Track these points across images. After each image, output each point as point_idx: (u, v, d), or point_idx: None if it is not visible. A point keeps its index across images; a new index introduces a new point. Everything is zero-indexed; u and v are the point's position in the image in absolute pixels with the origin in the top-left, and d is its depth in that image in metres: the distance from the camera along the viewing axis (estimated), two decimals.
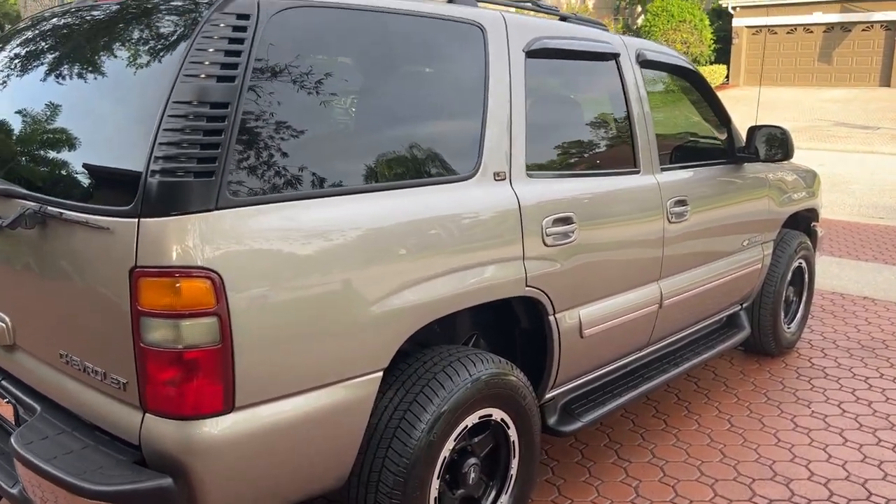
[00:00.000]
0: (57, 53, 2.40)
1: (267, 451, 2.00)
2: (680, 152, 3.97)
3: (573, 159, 3.05)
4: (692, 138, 4.22)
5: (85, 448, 1.98)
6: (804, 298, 4.98)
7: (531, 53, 2.83)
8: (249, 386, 1.92)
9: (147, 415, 1.90)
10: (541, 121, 2.87)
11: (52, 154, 2.24)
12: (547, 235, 2.71)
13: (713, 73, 26.45)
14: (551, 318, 2.82)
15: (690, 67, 3.84)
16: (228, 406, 1.90)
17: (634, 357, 3.50)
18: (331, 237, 2.06)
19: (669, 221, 3.36)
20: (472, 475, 2.57)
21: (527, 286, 2.65)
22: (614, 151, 3.30)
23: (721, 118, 4.05)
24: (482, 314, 2.92)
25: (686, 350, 3.93)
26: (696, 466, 3.45)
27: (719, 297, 3.96)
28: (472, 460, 2.58)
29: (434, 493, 2.42)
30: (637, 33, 28.39)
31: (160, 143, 1.82)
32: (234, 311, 1.86)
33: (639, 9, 29.98)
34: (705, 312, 3.91)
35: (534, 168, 2.77)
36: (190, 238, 1.80)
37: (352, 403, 2.15)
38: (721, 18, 28.37)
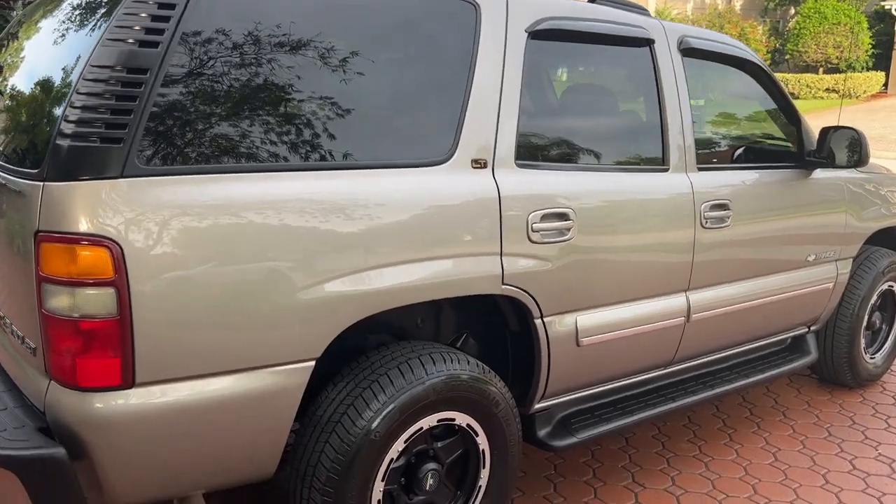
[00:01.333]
0: None
1: (176, 432, 1.93)
2: (730, 153, 3.59)
3: (579, 151, 2.79)
4: (750, 138, 3.81)
5: (3, 410, 1.99)
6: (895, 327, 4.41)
7: (535, 34, 2.61)
8: (152, 363, 1.85)
9: (51, 382, 1.88)
10: (542, 107, 2.66)
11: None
12: (533, 231, 2.49)
13: (869, 80, 24.44)
14: (538, 321, 2.59)
15: (751, 59, 3.45)
16: (128, 382, 1.84)
17: (657, 374, 3.20)
18: (252, 217, 1.95)
19: (703, 227, 3.03)
20: (430, 482, 2.41)
21: (504, 284, 2.45)
22: (637, 146, 3.01)
23: (789, 117, 3.62)
24: (471, 313, 2.74)
25: (728, 371, 3.55)
26: (717, 500, 3.10)
27: (774, 316, 3.56)
28: (431, 465, 2.41)
29: (377, 495, 2.28)
30: (785, 35, 26.69)
31: (72, 106, 1.78)
32: (135, 284, 1.79)
33: (791, 10, 28.20)
34: (754, 332, 3.52)
35: (526, 157, 2.56)
36: (90, 205, 1.76)
37: (275, 391, 2.05)
38: (883, 21, 26.18)
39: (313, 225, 2.05)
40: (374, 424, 2.19)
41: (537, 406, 2.78)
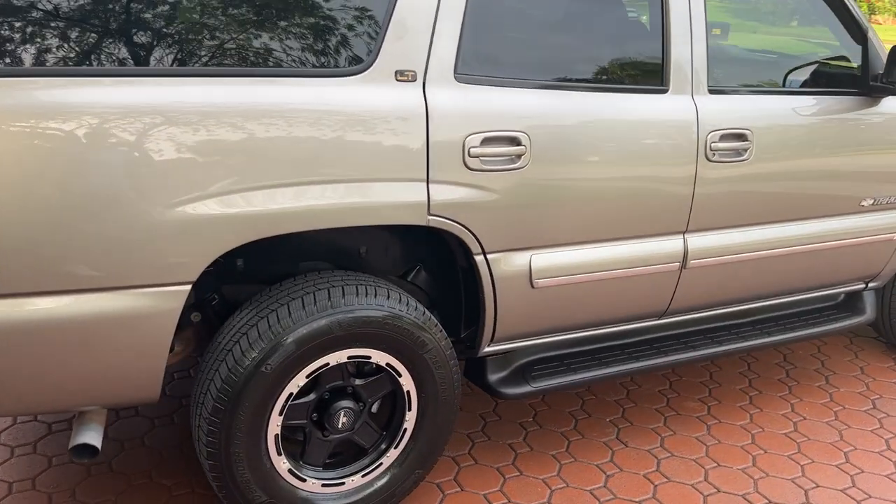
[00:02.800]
0: None
1: (38, 346, 1.86)
2: (765, 74, 3.06)
3: (544, 65, 2.42)
4: (797, 58, 3.24)
5: None
6: None
7: None
8: (6, 274, 1.78)
9: None
10: (497, 11, 2.31)
11: None
12: (471, 157, 2.20)
13: None
14: (479, 258, 2.33)
15: None
16: None
17: (649, 324, 2.85)
18: (112, 125, 1.79)
19: (709, 160, 2.60)
20: (343, 420, 2.25)
21: (431, 215, 2.19)
22: (626, 61, 2.59)
23: (853, 32, 3.03)
24: (427, 246, 2.51)
25: (749, 327, 3.13)
26: (704, 469, 2.77)
27: (811, 268, 3.07)
28: (345, 403, 2.26)
29: (273, 429, 2.15)
30: None
31: None
32: None
33: None
34: (782, 285, 3.06)
35: (471, 71, 2.24)
36: None
37: (145, 314, 1.93)
38: None
39: (181, 138, 1.86)
40: (268, 357, 2.05)
41: (488, 349, 2.54)
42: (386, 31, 2.10)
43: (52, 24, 1.80)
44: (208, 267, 2.22)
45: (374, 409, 2.38)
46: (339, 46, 2.09)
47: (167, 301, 1.95)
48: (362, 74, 2.08)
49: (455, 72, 2.20)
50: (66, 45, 1.80)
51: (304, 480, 2.26)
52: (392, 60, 2.11)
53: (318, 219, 2.05)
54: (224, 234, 1.94)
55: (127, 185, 1.83)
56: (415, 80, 2.15)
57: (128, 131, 1.80)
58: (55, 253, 1.80)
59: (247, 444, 2.11)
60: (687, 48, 2.57)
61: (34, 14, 1.79)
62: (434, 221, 2.20)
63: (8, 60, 1.75)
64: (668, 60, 2.55)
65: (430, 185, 2.17)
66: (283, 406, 2.15)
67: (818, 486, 2.71)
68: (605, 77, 2.52)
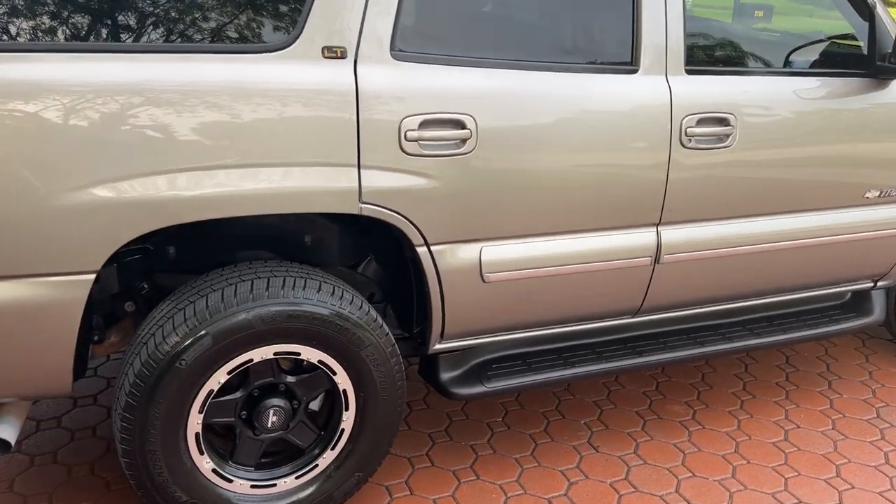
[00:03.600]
0: None
1: None
2: (755, 54, 2.81)
3: (496, 42, 2.23)
4: (794, 35, 2.98)
5: None
6: None
7: None
8: None
9: None
10: None
11: None
12: (408, 140, 2.04)
13: None
14: (422, 250, 2.17)
15: None
16: None
17: (623, 322, 2.66)
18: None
19: (684, 146, 2.39)
20: (273, 419, 2.13)
21: (363, 203, 2.04)
22: (592, 38, 2.38)
23: (859, 6, 2.77)
24: (374, 235, 2.36)
25: (738, 328, 2.91)
26: (678, 479, 2.58)
27: (806, 265, 2.84)
28: (275, 402, 2.13)
29: (194, 427, 2.04)
30: None
31: None
32: None
33: None
34: (772, 283, 2.83)
35: (412, 47, 2.08)
36: None
37: (47, 303, 1.83)
38: None
39: (76, 119, 1.74)
40: (180, 350, 1.93)
41: (439, 346, 2.39)
42: (312, 3, 1.95)
43: None
44: (135, 253, 2.12)
45: (316, 406, 2.25)
46: (259, 20, 1.96)
47: (69, 290, 1.84)
48: (284, 51, 1.93)
49: (392, 49, 2.04)
50: None
51: (230, 481, 2.15)
52: (318, 35, 1.96)
53: (233, 206, 1.91)
54: (125, 221, 1.82)
55: (16, 168, 1.72)
56: (344, 57, 1.99)
57: (14, 111, 1.69)
58: None
59: (163, 441, 2.00)
60: (660, 23, 2.36)
61: None
62: (367, 210, 2.05)
63: None
64: (638, 37, 2.34)
65: (362, 171, 2.02)
66: (203, 403, 2.04)
67: (800, 503, 2.50)
68: (564, 55, 2.32)
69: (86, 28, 1.81)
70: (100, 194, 1.78)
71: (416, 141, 2.05)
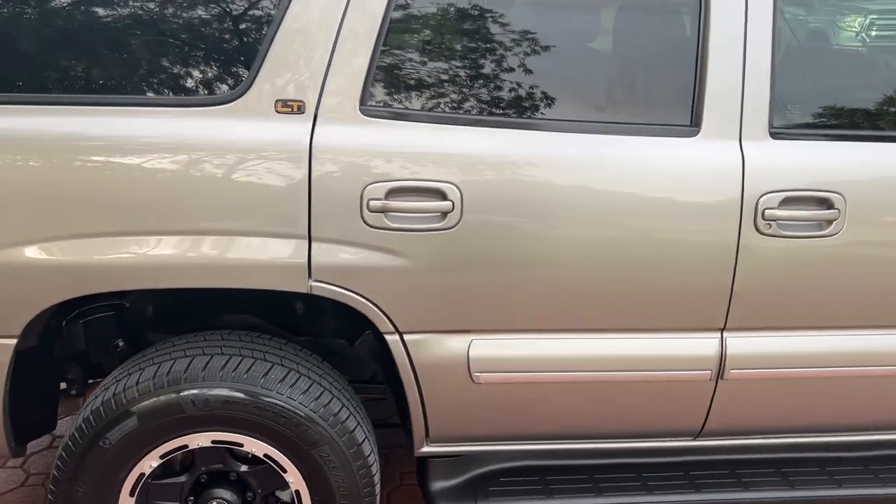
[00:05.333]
0: None
1: None
2: (866, 112, 2.09)
3: (491, 95, 1.82)
4: None
5: None
6: None
7: None
8: None
9: None
10: (429, 28, 1.79)
11: None
12: (371, 211, 1.71)
13: None
14: (393, 338, 1.83)
15: None
16: None
17: (681, 444, 2.10)
18: None
19: (760, 232, 1.83)
20: None
21: (314, 280, 1.74)
22: (628, 88, 1.88)
23: None
24: None
25: (817, 468, 2.19)
26: None
27: None
28: (221, 493, 1.89)
29: None
30: None
31: None
32: None
33: None
34: (880, 415, 2.10)
35: (383, 104, 1.76)
36: None
37: None
38: None
39: (23, 173, 1.64)
40: (104, 428, 1.76)
41: (427, 449, 2.01)
42: (267, 51, 1.70)
43: None
44: (106, 310, 2.00)
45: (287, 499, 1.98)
46: (205, 68, 1.74)
47: None
48: (232, 103, 1.70)
49: (361, 103, 1.73)
50: None
51: None
52: (273, 87, 1.70)
53: (163, 277, 1.71)
54: (45, 286, 1.68)
55: None
56: (302, 113, 1.71)
57: None
58: None
59: None
60: (735, 72, 1.81)
61: None
62: (319, 289, 1.75)
63: None
64: (700, 88, 1.82)
65: (313, 244, 1.72)
66: (135, 487, 1.84)
67: None
68: (589, 110, 1.86)
69: (9, 77, 1.69)
70: (15, 257, 1.65)
71: (380, 212, 1.71)
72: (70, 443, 1.78)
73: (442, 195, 1.73)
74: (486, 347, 1.85)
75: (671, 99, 1.86)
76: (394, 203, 1.71)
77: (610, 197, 1.79)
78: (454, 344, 1.84)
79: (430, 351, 1.84)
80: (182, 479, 1.89)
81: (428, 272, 1.76)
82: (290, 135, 1.70)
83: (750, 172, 1.82)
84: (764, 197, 1.81)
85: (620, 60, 1.91)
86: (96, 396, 1.82)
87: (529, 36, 1.82)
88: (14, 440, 1.87)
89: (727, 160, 1.82)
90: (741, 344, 1.92)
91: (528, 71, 1.81)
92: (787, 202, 1.82)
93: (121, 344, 2.08)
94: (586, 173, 1.79)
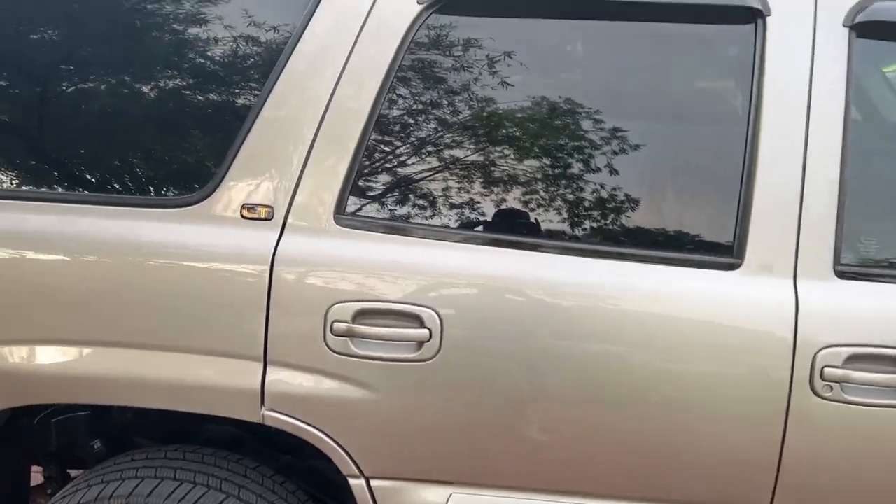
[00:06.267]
0: None
1: None
2: None
3: (486, 210, 1.55)
4: None
5: None
6: None
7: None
8: None
9: None
10: (403, 126, 1.58)
11: None
12: (335, 335, 1.48)
13: None
14: (357, 483, 1.56)
15: None
16: None
17: None
18: None
19: (818, 395, 1.45)
20: None
21: (267, 409, 1.52)
22: (652, 212, 1.57)
23: None
24: None
25: None
26: None
27: None
28: None
29: None
30: None
31: None
32: None
33: None
34: None
35: (366, 213, 1.55)
36: None
37: None
38: None
39: None
40: None
41: None
42: (238, 149, 1.54)
43: None
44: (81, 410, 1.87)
45: None
46: (169, 168, 1.60)
47: None
48: (195, 206, 1.54)
49: (337, 212, 1.52)
50: None
51: None
52: (238, 191, 1.53)
53: (97, 392, 1.55)
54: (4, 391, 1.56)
55: None
56: (269, 219, 1.53)
57: None
58: None
59: None
60: (793, 184, 1.48)
61: None
62: (272, 419, 1.53)
63: None
64: (745, 214, 1.49)
65: (269, 368, 1.51)
66: None
67: None
68: (599, 230, 1.55)
69: None
70: None
71: (346, 336, 1.48)
72: None
73: (419, 321, 1.48)
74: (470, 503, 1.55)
75: (707, 222, 1.54)
76: (361, 327, 1.48)
77: (623, 336, 1.48)
78: (431, 497, 1.56)
79: (400, 502, 1.56)
80: None
81: (400, 409, 1.51)
82: (252, 243, 1.51)
83: (806, 318, 1.45)
84: (824, 351, 1.44)
85: (642, 175, 1.61)
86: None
87: (534, 146, 1.56)
88: None
89: (780, 301, 1.46)
90: None
91: (533, 184, 1.55)
92: (855, 360, 1.44)
93: (97, 445, 1.94)
94: (595, 306, 1.49)
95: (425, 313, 1.47)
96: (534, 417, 1.50)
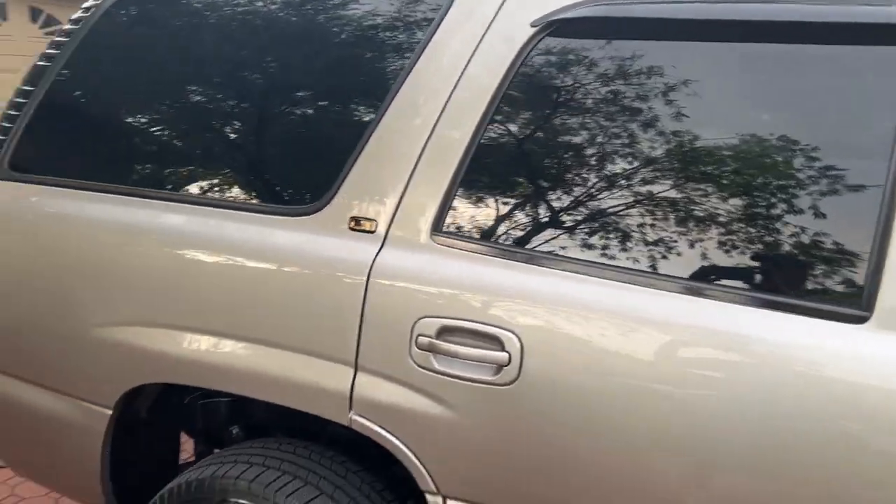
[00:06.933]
0: None
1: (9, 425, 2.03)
2: None
3: (582, 232, 1.46)
4: None
5: None
6: None
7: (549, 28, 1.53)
8: None
9: None
10: (504, 147, 1.56)
11: None
12: (419, 348, 1.51)
13: None
14: (434, 500, 1.57)
15: None
16: None
17: None
18: (89, 236, 1.85)
19: None
20: None
21: (354, 413, 1.58)
22: (769, 258, 1.37)
23: None
24: None
25: None
26: None
27: None
28: None
29: None
30: None
31: None
32: None
33: None
34: None
35: (465, 233, 1.55)
36: None
37: (75, 424, 1.89)
38: None
39: (109, 258, 1.80)
40: None
41: None
42: (352, 165, 1.63)
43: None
44: (225, 396, 2.07)
45: None
46: (294, 178, 1.73)
47: (95, 420, 1.87)
48: (311, 216, 1.65)
49: (434, 229, 1.56)
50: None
51: None
52: (350, 204, 1.62)
53: (216, 378, 1.70)
54: (134, 367, 1.79)
55: (71, 292, 1.85)
56: (373, 232, 1.60)
57: (78, 241, 1.83)
58: (18, 341, 1.94)
59: None
60: None
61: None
62: (358, 424, 1.58)
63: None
64: (881, 254, 1.29)
65: (358, 374, 1.57)
66: None
67: None
68: (689, 266, 1.41)
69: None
70: (107, 335, 1.79)
71: (429, 351, 1.50)
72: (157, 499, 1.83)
73: (499, 343, 1.46)
74: None
75: (828, 270, 1.35)
76: (443, 344, 1.49)
77: (710, 386, 1.34)
78: None
79: None
80: None
81: (476, 431, 1.49)
82: (355, 254, 1.59)
83: None
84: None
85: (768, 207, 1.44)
86: (183, 475, 1.85)
87: (639, 169, 1.48)
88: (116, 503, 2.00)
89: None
90: None
91: (631, 210, 1.46)
92: None
93: (235, 431, 2.13)
94: (684, 348, 1.37)
95: (506, 336, 1.45)
96: (614, 460, 1.41)
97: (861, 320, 1.29)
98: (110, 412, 1.85)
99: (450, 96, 1.58)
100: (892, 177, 1.30)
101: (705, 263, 1.41)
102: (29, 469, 2.11)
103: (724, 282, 1.39)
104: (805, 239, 1.36)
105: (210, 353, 1.69)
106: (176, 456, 2.16)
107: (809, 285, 1.35)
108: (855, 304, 1.30)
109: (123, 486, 2.01)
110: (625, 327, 1.39)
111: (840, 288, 1.33)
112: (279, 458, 1.75)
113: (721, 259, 1.40)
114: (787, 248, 1.37)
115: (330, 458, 1.79)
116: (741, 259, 1.39)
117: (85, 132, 1.98)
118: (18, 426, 2.03)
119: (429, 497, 1.56)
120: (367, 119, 1.65)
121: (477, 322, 1.47)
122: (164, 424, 2.06)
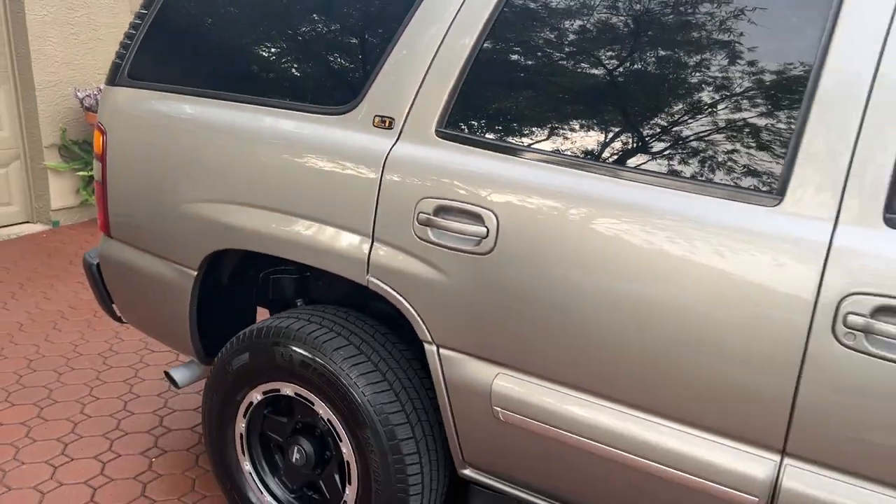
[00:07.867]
0: None
1: (121, 279, 2.56)
2: None
3: (554, 134, 1.69)
4: None
5: None
6: None
7: None
8: (115, 222, 2.52)
9: None
10: (505, 55, 1.81)
11: None
12: (419, 224, 1.84)
13: None
14: (429, 348, 1.92)
15: None
16: (107, 233, 2.57)
17: None
18: (181, 130, 2.30)
19: (839, 341, 1.42)
20: (297, 455, 2.22)
21: (370, 276, 1.94)
22: (699, 137, 1.56)
23: None
24: None
25: None
26: None
27: None
28: (301, 441, 2.22)
29: (239, 428, 2.30)
30: None
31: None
32: (110, 162, 2.48)
33: None
34: None
35: (456, 130, 1.84)
36: (104, 103, 2.52)
37: (172, 283, 2.37)
38: None
39: (195, 148, 2.24)
40: (232, 356, 2.24)
41: (466, 473, 2.02)
42: (377, 74, 1.96)
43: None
44: (292, 268, 2.47)
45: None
46: (333, 84, 2.07)
47: (184, 280, 2.35)
48: (344, 115, 2.01)
49: (438, 126, 1.87)
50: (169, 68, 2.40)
51: (261, 492, 2.34)
52: (375, 105, 1.96)
53: (274, 246, 2.10)
54: (212, 235, 2.23)
55: (175, 174, 2.30)
56: (391, 129, 1.93)
57: (190, 134, 2.27)
58: (137, 215, 2.44)
59: (219, 431, 2.33)
60: (855, 113, 1.43)
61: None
62: (373, 284, 1.95)
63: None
64: (795, 147, 1.48)
65: (374, 244, 1.93)
66: (246, 411, 2.28)
67: None
68: (633, 155, 1.63)
69: (233, 84, 2.27)
70: (194, 210, 2.24)
71: (427, 226, 1.84)
72: (214, 367, 2.29)
73: (480, 220, 1.76)
74: (510, 385, 1.80)
75: (757, 158, 1.54)
76: (438, 219, 1.82)
77: (650, 254, 1.59)
78: (482, 372, 1.84)
79: (460, 371, 1.87)
80: (285, 419, 2.27)
81: (461, 292, 1.81)
82: (375, 146, 1.93)
83: (835, 264, 1.42)
84: (849, 298, 1.40)
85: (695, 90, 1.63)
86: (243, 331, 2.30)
87: (618, 79, 1.71)
88: (203, 351, 2.49)
89: (805, 242, 1.45)
90: (801, 479, 1.49)
91: (611, 115, 1.71)
92: (882, 311, 1.37)
93: (299, 303, 2.56)
94: (630, 227, 1.62)
95: (486, 214, 1.75)
96: (565, 322, 1.69)
97: (772, 202, 1.49)
98: (195, 272, 2.32)
99: (460, 7, 1.86)
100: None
101: (640, 152, 1.64)
102: (140, 321, 2.64)
103: (651, 166, 1.62)
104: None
105: (265, 224, 2.10)
106: (253, 322, 2.63)
107: (738, 170, 1.56)
108: (766, 186, 1.50)
109: (210, 342, 2.49)
110: (570, 204, 1.66)
111: (742, 165, 1.53)
112: (321, 317, 2.15)
113: (656, 147, 1.62)
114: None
115: (361, 320, 2.17)
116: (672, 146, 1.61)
117: (188, 49, 2.42)
118: (135, 285, 2.55)
119: (426, 346, 1.91)
120: (388, 35, 1.97)
121: (464, 202, 1.78)
122: (243, 296, 2.52)
